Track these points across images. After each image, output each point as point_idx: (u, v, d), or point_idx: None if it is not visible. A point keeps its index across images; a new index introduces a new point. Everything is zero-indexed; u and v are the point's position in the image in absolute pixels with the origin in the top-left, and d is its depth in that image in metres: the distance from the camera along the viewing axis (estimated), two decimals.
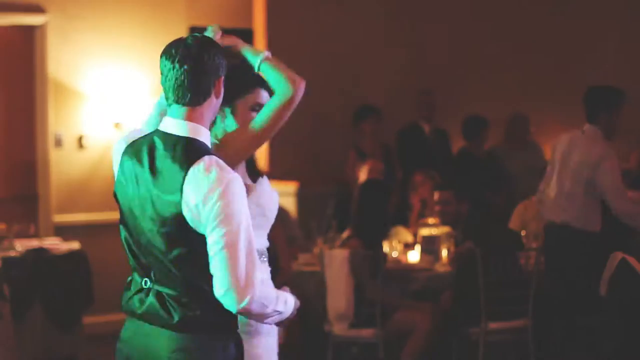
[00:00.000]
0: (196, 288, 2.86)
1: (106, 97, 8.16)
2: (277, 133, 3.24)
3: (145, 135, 2.98)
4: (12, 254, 6.81)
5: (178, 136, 2.89)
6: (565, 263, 6.10)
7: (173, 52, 2.89)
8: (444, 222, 6.72)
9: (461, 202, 6.66)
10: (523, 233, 6.74)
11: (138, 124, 3.16)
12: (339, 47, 8.69)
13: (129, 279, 3.00)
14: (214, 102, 2.95)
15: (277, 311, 2.93)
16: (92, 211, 8.17)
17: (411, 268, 6.58)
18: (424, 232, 6.84)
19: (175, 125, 2.91)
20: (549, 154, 9.05)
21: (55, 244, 7.17)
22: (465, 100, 8.97)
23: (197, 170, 2.81)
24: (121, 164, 2.97)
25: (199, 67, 2.88)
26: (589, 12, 9.69)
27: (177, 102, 2.91)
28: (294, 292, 3.18)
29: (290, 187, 8.12)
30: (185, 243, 2.84)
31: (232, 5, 8.83)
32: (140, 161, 2.91)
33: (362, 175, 7.46)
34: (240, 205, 2.82)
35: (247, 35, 8.67)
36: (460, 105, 8.91)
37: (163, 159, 2.86)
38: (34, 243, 7.07)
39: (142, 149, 2.92)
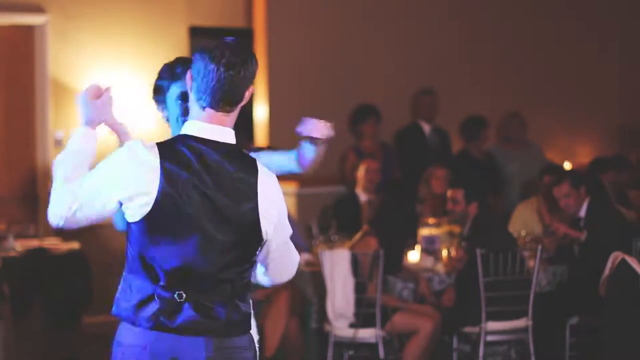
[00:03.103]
0: (227, 290, 2.86)
1: None
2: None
3: (179, 142, 2.83)
4: (12, 254, 6.81)
5: (227, 144, 2.85)
6: None
7: (218, 54, 2.79)
8: (449, 221, 6.69)
9: (470, 204, 6.54)
10: (523, 233, 6.73)
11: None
12: (338, 47, 8.68)
13: (146, 295, 2.85)
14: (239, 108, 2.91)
15: None
16: None
17: (411, 268, 6.57)
18: (424, 232, 6.83)
19: (217, 132, 2.84)
20: (547, 153, 9.07)
21: (55, 244, 7.18)
22: (465, 100, 8.97)
23: (263, 177, 2.88)
24: (167, 177, 2.77)
25: (242, 73, 2.81)
26: (589, 14, 9.69)
27: (211, 105, 2.82)
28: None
29: (290, 187, 8.12)
30: (247, 245, 2.88)
31: (232, 5, 8.82)
32: (190, 170, 2.78)
33: (360, 174, 7.48)
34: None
35: (247, 35, 8.67)
36: (460, 105, 8.90)
37: (222, 168, 2.81)
38: (34, 243, 7.07)
39: (189, 158, 2.79)
